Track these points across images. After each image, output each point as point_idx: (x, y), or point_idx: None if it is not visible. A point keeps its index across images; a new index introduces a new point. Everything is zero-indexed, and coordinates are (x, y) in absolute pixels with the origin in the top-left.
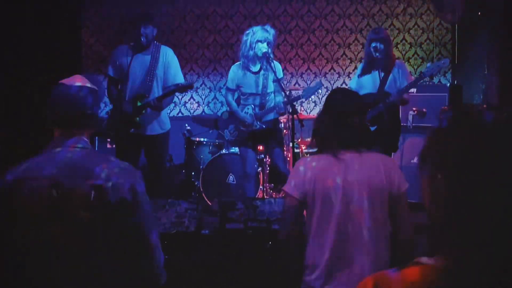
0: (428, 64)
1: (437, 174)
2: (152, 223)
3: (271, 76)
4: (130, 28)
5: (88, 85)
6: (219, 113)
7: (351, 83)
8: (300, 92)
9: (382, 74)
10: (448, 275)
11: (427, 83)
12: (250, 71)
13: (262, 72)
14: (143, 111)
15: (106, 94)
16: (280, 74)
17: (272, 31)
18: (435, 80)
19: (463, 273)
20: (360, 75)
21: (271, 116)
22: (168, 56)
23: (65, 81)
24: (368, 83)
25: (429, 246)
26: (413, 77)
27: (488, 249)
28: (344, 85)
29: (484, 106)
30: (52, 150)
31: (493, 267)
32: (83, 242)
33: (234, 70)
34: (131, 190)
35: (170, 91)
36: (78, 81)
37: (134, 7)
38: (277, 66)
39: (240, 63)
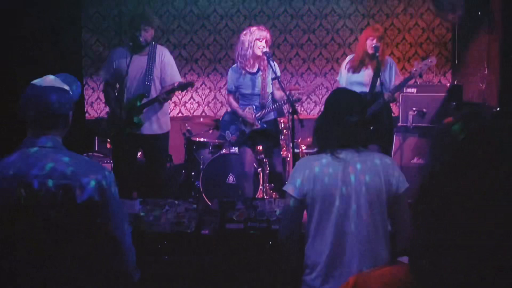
0: (416, 63)
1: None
2: (121, 221)
3: (269, 76)
4: (129, 28)
5: (60, 85)
6: (219, 113)
7: (340, 78)
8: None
9: (373, 72)
10: (420, 276)
11: (427, 83)
12: (247, 72)
13: (259, 72)
14: (143, 111)
15: (104, 97)
16: (278, 72)
17: (268, 31)
18: (435, 80)
19: (436, 275)
20: (350, 70)
21: (271, 116)
22: (165, 56)
23: (36, 81)
24: (360, 80)
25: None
26: (402, 75)
27: (459, 251)
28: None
29: (493, 110)
30: (22, 149)
31: (465, 270)
32: (52, 241)
33: (232, 73)
34: (99, 189)
35: (173, 88)
36: (48, 81)
37: (134, 7)
38: (275, 65)
39: (236, 65)
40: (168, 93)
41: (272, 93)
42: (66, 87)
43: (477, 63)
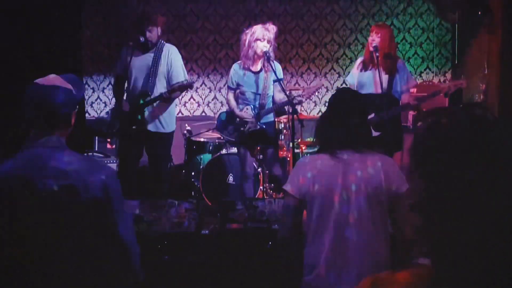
0: (447, 82)
1: (415, 173)
2: (126, 221)
3: (271, 77)
4: (133, 29)
5: (63, 85)
6: (219, 113)
7: (349, 78)
8: (300, 93)
9: (385, 74)
10: (437, 278)
11: (427, 83)
12: (250, 71)
13: (262, 72)
14: (145, 109)
15: (113, 92)
16: (280, 74)
17: (273, 29)
18: (436, 80)
19: (449, 276)
20: (362, 69)
21: (270, 117)
22: (172, 54)
23: (39, 80)
24: (369, 80)
25: (421, 247)
26: (415, 80)
27: (470, 251)
28: (344, 85)
29: (461, 106)
30: (26, 149)
31: (477, 271)
32: (56, 242)
33: (235, 69)
34: (103, 189)
35: (173, 89)
36: (51, 81)
37: (134, 7)
38: (277, 66)
39: (240, 62)
40: (169, 92)
41: (273, 95)
42: (69, 87)
43: (477, 63)
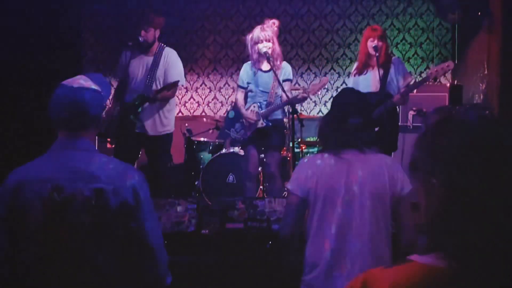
0: (432, 66)
1: (430, 179)
2: (155, 226)
3: (280, 76)
4: (131, 28)
5: (92, 86)
6: (219, 113)
7: (348, 82)
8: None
9: (382, 72)
10: (446, 276)
11: (427, 83)
12: (260, 70)
13: (271, 71)
14: (139, 110)
15: (113, 94)
16: (287, 75)
17: (272, 27)
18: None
19: (463, 275)
20: (356, 74)
21: (278, 115)
22: (170, 58)
23: (67, 82)
24: (366, 82)
25: (427, 245)
26: (411, 75)
27: (484, 250)
28: (344, 85)
29: (467, 106)
30: (54, 152)
31: (488, 270)
32: (85, 246)
33: (246, 68)
34: (133, 193)
35: (161, 88)
36: (81, 82)
37: (134, 7)
38: (286, 66)
39: (251, 62)
40: (157, 92)
41: (281, 95)
42: (97, 88)
43: (477, 63)
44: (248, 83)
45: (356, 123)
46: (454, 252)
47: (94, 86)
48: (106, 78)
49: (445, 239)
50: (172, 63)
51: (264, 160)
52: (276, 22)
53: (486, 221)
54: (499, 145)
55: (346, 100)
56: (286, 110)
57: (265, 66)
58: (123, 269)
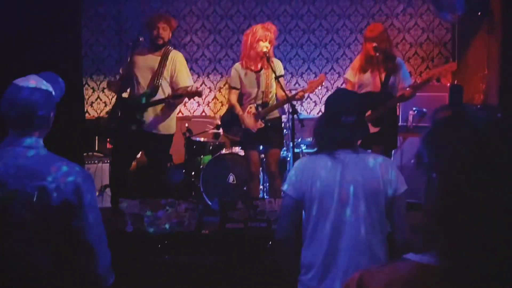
0: (435, 67)
1: (431, 174)
2: (97, 225)
3: (272, 74)
4: (146, 27)
5: (42, 86)
6: (219, 113)
7: (349, 76)
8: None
9: (383, 72)
10: (440, 274)
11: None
12: (251, 70)
13: (263, 70)
14: (146, 109)
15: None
16: (280, 71)
17: (273, 29)
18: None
19: (456, 273)
20: (359, 71)
21: (275, 114)
22: (177, 60)
23: (19, 81)
24: (368, 81)
25: (423, 243)
26: (411, 78)
27: (478, 250)
28: (344, 85)
29: (478, 106)
30: (2, 149)
31: (484, 268)
32: (25, 242)
33: (236, 69)
34: (76, 193)
35: (181, 94)
36: (31, 82)
37: (134, 7)
38: (278, 63)
39: (240, 63)
40: (174, 97)
41: (276, 93)
42: (49, 88)
43: (477, 63)
44: (240, 84)
45: (349, 122)
46: (448, 251)
47: (44, 87)
48: (80, 78)
49: (439, 237)
50: (180, 66)
51: (264, 159)
52: (275, 27)
53: (481, 221)
54: (503, 149)
55: (339, 99)
56: (286, 109)
57: (256, 66)
58: (62, 267)
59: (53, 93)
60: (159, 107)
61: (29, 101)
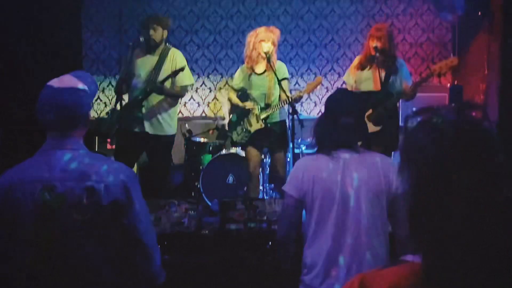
0: (437, 62)
1: (408, 179)
2: (147, 223)
3: (275, 77)
4: (140, 28)
5: (78, 85)
6: (219, 113)
7: (347, 78)
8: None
9: (383, 72)
10: (424, 275)
11: (427, 83)
12: (254, 72)
13: (266, 73)
14: (143, 104)
15: (115, 91)
16: (284, 74)
17: (277, 32)
18: (435, 80)
19: (437, 274)
20: (358, 69)
21: (277, 117)
22: (176, 58)
23: (53, 82)
24: (367, 79)
25: (411, 244)
26: (412, 78)
27: (457, 248)
28: (344, 85)
29: (452, 105)
30: (44, 152)
31: (465, 268)
32: (78, 245)
33: (240, 72)
34: (124, 191)
35: (166, 77)
36: (65, 82)
37: (134, 7)
38: (282, 66)
39: (244, 65)
40: (161, 82)
41: (279, 95)
42: (84, 86)
43: (477, 63)
44: (242, 86)
45: (348, 122)
46: (426, 251)
47: (80, 85)
48: (89, 74)
49: (417, 238)
50: (180, 64)
51: (265, 160)
52: (278, 31)
53: (453, 221)
54: (469, 150)
55: (338, 100)
56: (286, 109)
57: (260, 68)
58: (117, 267)
59: (88, 91)
60: (160, 108)
61: (68, 102)
